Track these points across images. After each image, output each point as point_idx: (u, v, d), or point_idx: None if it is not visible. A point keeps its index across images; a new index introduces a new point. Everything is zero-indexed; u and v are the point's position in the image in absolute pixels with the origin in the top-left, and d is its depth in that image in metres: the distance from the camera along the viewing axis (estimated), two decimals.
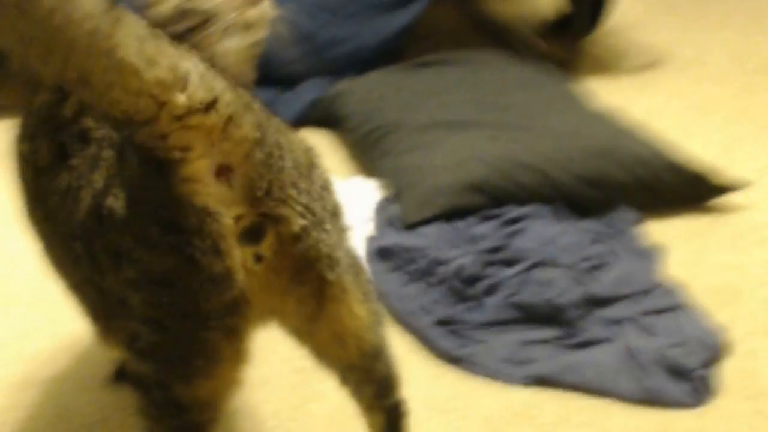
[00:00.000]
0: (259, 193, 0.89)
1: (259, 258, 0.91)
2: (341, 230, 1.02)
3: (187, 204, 0.86)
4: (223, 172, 0.86)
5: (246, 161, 0.87)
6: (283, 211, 0.91)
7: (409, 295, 1.59)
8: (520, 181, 1.86)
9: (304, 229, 0.93)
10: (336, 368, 1.07)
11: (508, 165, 1.88)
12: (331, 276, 0.97)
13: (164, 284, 0.90)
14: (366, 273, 1.07)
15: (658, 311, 1.48)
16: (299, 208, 0.93)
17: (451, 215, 1.83)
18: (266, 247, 0.91)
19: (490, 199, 1.84)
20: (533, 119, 2.04)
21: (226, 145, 0.85)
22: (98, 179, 0.97)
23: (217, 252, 0.87)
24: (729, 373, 1.36)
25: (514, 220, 1.77)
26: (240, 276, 0.89)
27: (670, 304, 1.50)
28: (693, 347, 1.37)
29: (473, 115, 2.10)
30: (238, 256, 0.89)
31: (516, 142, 1.94)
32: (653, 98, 2.51)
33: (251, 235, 0.90)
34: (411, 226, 1.80)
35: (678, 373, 1.32)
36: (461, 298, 1.55)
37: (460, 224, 1.80)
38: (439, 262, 1.64)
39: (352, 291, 1.00)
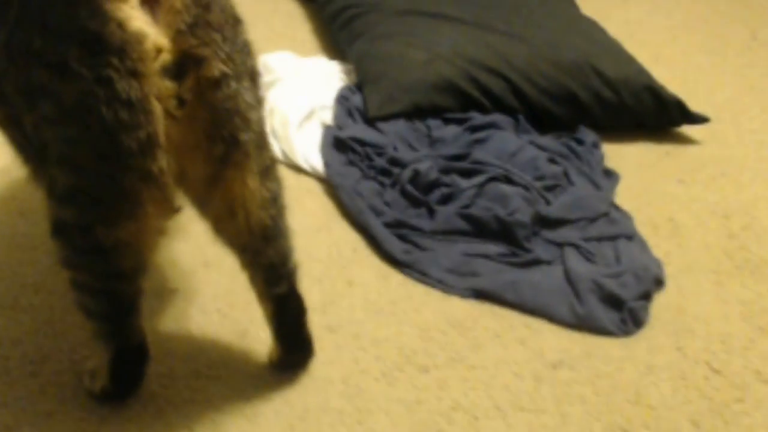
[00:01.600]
0: (183, 27, 0.91)
1: (181, 102, 0.93)
2: (258, 96, 1.02)
3: (111, 24, 0.87)
4: (148, 0, 0.89)
5: None
6: (205, 51, 0.94)
7: (361, 191, 1.58)
8: (487, 87, 1.83)
9: (224, 75, 0.95)
10: (232, 248, 1.08)
11: (477, 69, 1.84)
12: (243, 137, 0.98)
13: (79, 115, 0.90)
14: (271, 151, 1.08)
15: (603, 238, 1.51)
16: (221, 53, 0.95)
17: (411, 114, 1.80)
18: (186, 89, 0.93)
19: (455, 102, 1.82)
20: (514, 23, 1.99)
21: None
22: (10, 18, 0.93)
23: (135, 75, 0.88)
24: (658, 306, 1.41)
25: (477, 128, 1.75)
26: (157, 110, 0.91)
27: (615, 233, 1.53)
28: (629, 279, 1.41)
29: (455, 10, 2.02)
30: (157, 87, 0.90)
31: (490, 47, 1.89)
32: (636, 9, 2.47)
33: (172, 72, 0.92)
34: (372, 121, 1.76)
35: (611, 302, 1.37)
36: (414, 203, 1.55)
37: (421, 125, 1.78)
38: (396, 163, 1.62)
39: (253, 161, 1.01)
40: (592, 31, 2.08)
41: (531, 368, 1.27)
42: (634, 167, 1.81)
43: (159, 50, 0.91)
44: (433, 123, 1.78)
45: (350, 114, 1.82)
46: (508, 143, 1.72)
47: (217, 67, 0.94)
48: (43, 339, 1.21)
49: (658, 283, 1.45)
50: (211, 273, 1.38)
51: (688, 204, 1.70)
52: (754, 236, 1.61)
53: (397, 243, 1.48)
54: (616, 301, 1.37)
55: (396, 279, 1.44)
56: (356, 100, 1.84)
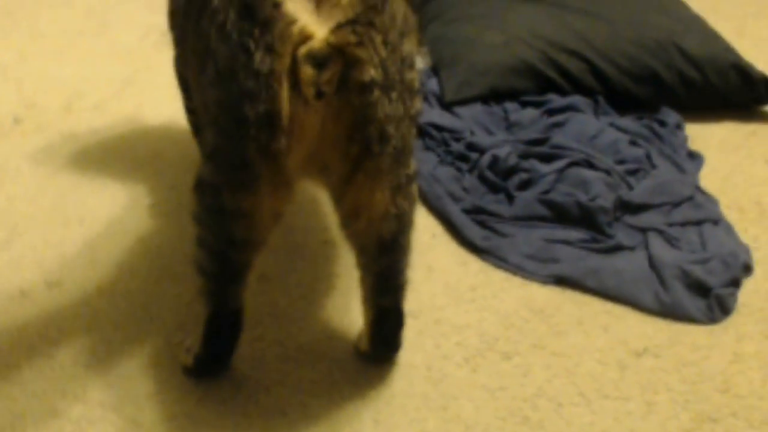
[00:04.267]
0: (343, 21, 0.92)
1: (320, 93, 0.95)
2: (406, 114, 1.02)
3: (267, 1, 0.91)
4: None
5: None
6: (361, 53, 0.94)
7: (438, 177, 1.59)
8: (565, 68, 1.81)
9: (372, 81, 0.95)
10: (352, 247, 1.12)
11: (556, 51, 1.82)
12: (375, 149, 1.00)
13: (225, 78, 0.96)
14: (411, 168, 1.07)
15: (688, 223, 1.48)
16: (377, 58, 0.95)
17: (488, 98, 1.79)
18: (326, 81, 0.94)
19: (533, 84, 1.80)
20: (593, 2, 1.95)
21: None
22: None
23: (270, 51, 0.92)
24: (746, 293, 1.38)
25: (556, 111, 1.74)
26: (283, 91, 0.93)
27: (701, 217, 1.50)
28: (716, 265, 1.38)
29: None
30: (289, 69, 0.93)
31: (569, 27, 1.86)
32: None
33: (317, 60, 0.93)
34: (448, 105, 1.76)
35: (697, 289, 1.35)
36: (494, 188, 1.55)
37: (498, 109, 1.77)
38: (474, 148, 1.62)
39: (383, 175, 1.02)
40: (675, 7, 2.02)
41: (615, 356, 1.26)
42: (719, 149, 1.76)
43: (307, 36, 0.93)
44: (511, 106, 1.77)
45: (426, 99, 1.82)
46: (587, 126, 1.70)
47: (367, 72, 0.95)
48: (141, 323, 1.27)
49: (747, 269, 1.41)
50: (296, 260, 1.42)
51: None
52: None
53: (477, 229, 1.48)
54: (703, 288, 1.35)
55: (475, 265, 1.44)
56: (432, 84, 1.84)
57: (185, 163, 1.66)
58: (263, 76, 0.93)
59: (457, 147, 1.65)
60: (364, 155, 1.00)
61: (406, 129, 1.03)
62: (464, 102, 1.77)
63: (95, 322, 1.26)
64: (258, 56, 0.92)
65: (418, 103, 1.06)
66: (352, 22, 0.92)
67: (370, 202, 1.04)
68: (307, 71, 0.93)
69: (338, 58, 0.94)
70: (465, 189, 1.56)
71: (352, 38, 0.93)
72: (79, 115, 1.84)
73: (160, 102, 1.87)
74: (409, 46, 1.02)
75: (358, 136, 0.98)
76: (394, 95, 0.98)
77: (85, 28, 2.24)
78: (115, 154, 1.70)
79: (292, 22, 0.92)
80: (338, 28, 0.93)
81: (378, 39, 0.95)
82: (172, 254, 1.41)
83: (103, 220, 1.50)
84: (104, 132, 1.78)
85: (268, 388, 1.17)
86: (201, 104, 1.11)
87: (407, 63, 1.01)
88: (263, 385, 1.17)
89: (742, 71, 1.85)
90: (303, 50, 0.93)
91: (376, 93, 0.96)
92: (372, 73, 0.95)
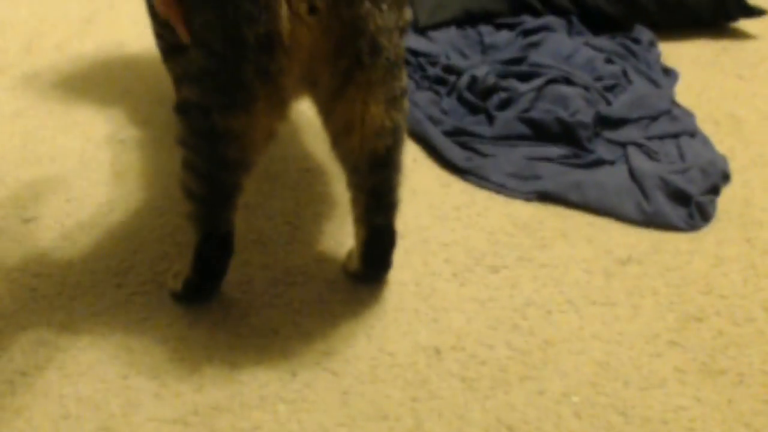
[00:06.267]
0: None
1: (313, 9, 0.93)
2: (397, 25, 1.00)
3: None
4: None
5: None
6: None
7: (417, 102, 1.58)
8: None
9: None
10: (343, 166, 1.10)
11: None
12: (366, 60, 0.98)
13: (218, 2, 0.93)
14: (403, 81, 1.06)
15: (667, 136, 1.50)
16: None
17: (462, 21, 1.77)
18: None
19: (506, 5, 1.79)
20: None
21: None
22: None
23: None
24: (725, 201, 1.40)
25: (531, 32, 1.72)
26: (282, 12, 0.92)
27: (678, 130, 1.51)
28: (695, 174, 1.40)
29: None
30: None
31: None
32: None
33: None
34: (422, 30, 1.74)
35: (678, 198, 1.36)
36: (472, 110, 1.54)
37: (472, 32, 1.75)
38: (451, 71, 1.61)
39: (376, 87, 1.01)
40: None
41: (600, 264, 1.27)
42: (693, 65, 1.77)
43: None
44: (485, 29, 1.76)
45: None
46: (562, 45, 1.69)
47: None
48: (124, 254, 1.24)
49: (725, 177, 1.43)
50: (278, 188, 1.40)
51: (749, 99, 1.67)
52: None
53: (458, 150, 1.48)
54: (683, 196, 1.37)
55: (458, 186, 1.44)
56: None
57: (155, 97, 1.62)
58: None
59: (434, 71, 1.63)
60: (355, 68, 0.98)
61: (398, 40, 1.01)
62: (438, 26, 1.75)
63: (77, 255, 1.24)
64: None
65: (408, 14, 1.04)
66: None
67: (363, 116, 1.03)
68: None
69: None
70: (444, 112, 1.55)
71: None
72: (40, 55, 1.78)
73: (123, 39, 1.82)
74: None
75: (349, 49, 0.97)
76: (384, 6, 0.97)
77: None
78: (81, 93, 1.65)
79: None
80: None
81: None
82: (150, 187, 1.38)
83: (75, 157, 1.46)
84: (68, 71, 1.72)
85: (258, 309, 1.16)
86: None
87: None
88: (254, 307, 1.16)
89: None
90: None
91: (366, 5, 0.95)
92: None
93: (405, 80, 1.06)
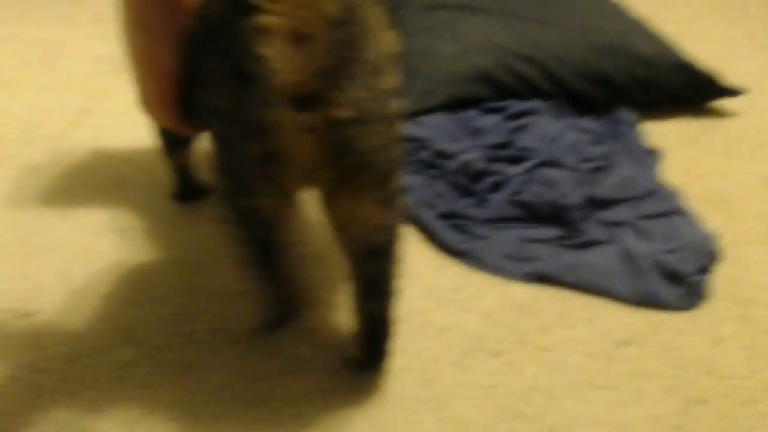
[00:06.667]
0: (323, 70, 0.96)
1: (312, 129, 0.99)
2: (391, 139, 1.04)
3: (255, 52, 0.94)
4: (297, 37, 0.94)
5: (321, 35, 0.94)
6: (334, 96, 0.98)
7: (411, 186, 1.60)
8: (521, 74, 1.85)
9: (349, 120, 0.99)
10: (345, 257, 1.13)
11: (510, 57, 1.86)
12: (359, 173, 1.03)
13: (226, 117, 1.03)
14: (397, 183, 1.09)
15: (656, 216, 1.53)
16: (350, 97, 0.98)
17: (451, 106, 1.82)
18: (318, 119, 0.98)
19: (493, 91, 1.84)
20: (545, 9, 2.00)
21: (307, 12, 0.92)
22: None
23: (263, 104, 0.97)
24: (719, 279, 1.42)
25: (517, 115, 1.77)
26: (282, 133, 0.99)
27: (667, 209, 1.54)
28: (688, 253, 1.43)
29: (479, 0, 2.04)
30: (284, 115, 0.98)
31: (520, 34, 1.91)
32: None
33: (305, 103, 0.97)
34: (413, 115, 1.78)
35: (673, 277, 1.38)
36: (465, 193, 1.57)
37: (463, 116, 1.79)
38: (443, 155, 1.64)
39: (368, 192, 1.05)
40: (619, 11, 2.09)
41: (600, 347, 1.28)
42: (677, 143, 1.82)
43: (296, 83, 0.96)
44: (473, 114, 1.80)
45: None
46: (548, 128, 1.74)
47: (341, 112, 0.98)
48: (125, 347, 1.23)
49: (716, 255, 1.46)
50: None
51: (736, 175, 1.71)
52: None
53: (452, 233, 1.50)
54: (677, 276, 1.39)
55: (454, 268, 1.45)
56: None
57: (152, 185, 1.63)
58: (261, 126, 0.98)
59: (425, 155, 1.67)
60: (345, 178, 1.03)
61: (391, 151, 1.05)
62: (427, 111, 1.79)
63: (78, 349, 1.23)
64: (253, 110, 0.97)
65: (402, 126, 1.08)
66: (330, 71, 0.95)
67: (357, 215, 1.07)
68: (297, 115, 0.97)
69: (320, 100, 0.97)
70: (438, 195, 1.57)
71: (323, 84, 0.96)
72: (36, 145, 1.80)
73: (118, 129, 1.85)
74: (391, 78, 1.03)
75: (339, 163, 1.02)
76: (374, 128, 1.01)
77: (33, 60, 2.20)
78: (78, 183, 1.66)
79: (275, 73, 0.95)
80: (315, 75, 0.95)
81: (350, 84, 0.97)
82: (150, 277, 1.39)
83: (74, 247, 1.46)
84: (64, 161, 1.74)
85: (264, 398, 1.15)
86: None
87: (390, 94, 1.03)
88: (259, 397, 1.15)
89: (688, 69, 1.92)
90: (287, 97, 0.96)
91: (352, 130, 0.99)
92: (345, 113, 0.98)
93: (400, 181, 1.09)
